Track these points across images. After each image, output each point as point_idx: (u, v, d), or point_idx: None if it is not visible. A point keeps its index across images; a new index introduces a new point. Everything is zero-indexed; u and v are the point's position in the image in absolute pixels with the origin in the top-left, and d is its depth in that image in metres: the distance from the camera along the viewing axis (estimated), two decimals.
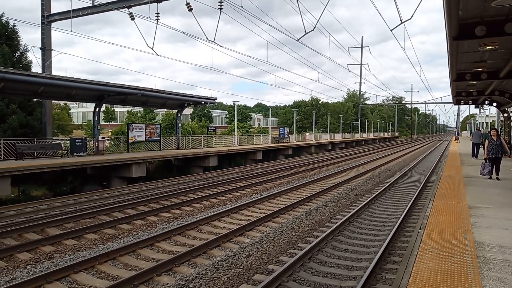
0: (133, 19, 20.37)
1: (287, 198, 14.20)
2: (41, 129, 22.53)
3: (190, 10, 18.82)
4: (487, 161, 12.47)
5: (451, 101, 43.54)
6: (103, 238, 9.24)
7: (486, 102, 28.04)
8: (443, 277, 4.08)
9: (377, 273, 6.72)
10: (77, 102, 68.96)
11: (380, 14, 17.91)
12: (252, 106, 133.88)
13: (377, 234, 9.42)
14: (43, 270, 6.95)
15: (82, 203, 13.40)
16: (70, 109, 56.80)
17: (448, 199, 8.70)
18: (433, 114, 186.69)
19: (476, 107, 34.82)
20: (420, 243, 5.32)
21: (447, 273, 4.19)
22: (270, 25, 25.19)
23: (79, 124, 53.12)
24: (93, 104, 22.71)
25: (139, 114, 54.46)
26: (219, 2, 18.69)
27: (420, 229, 6.20)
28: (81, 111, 74.76)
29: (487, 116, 51.77)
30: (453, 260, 4.60)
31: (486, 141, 12.79)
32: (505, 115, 28.55)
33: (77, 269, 6.93)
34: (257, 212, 11.93)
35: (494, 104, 27.70)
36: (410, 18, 14.69)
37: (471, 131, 70.17)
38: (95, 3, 22.24)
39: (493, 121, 43.15)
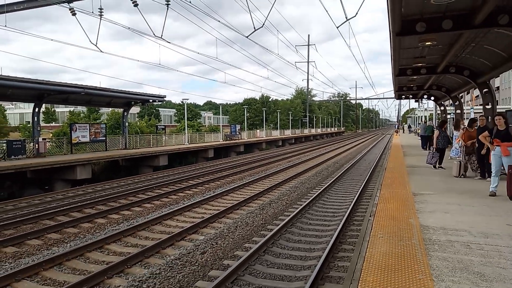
0: (74, 14, 19.30)
1: (241, 194, 14.20)
2: None
3: (136, 5, 18.18)
4: (435, 151, 13.15)
5: (393, 96, 45.73)
6: (47, 243, 8.71)
7: (425, 96, 29.74)
8: (395, 260, 4.25)
9: (330, 262, 6.89)
10: (14, 103, 64.78)
11: (327, 11, 18.39)
12: (202, 104, 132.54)
13: (328, 224, 9.67)
14: None
15: (22, 209, 12.56)
16: (6, 110, 53.16)
17: (394, 188, 9.10)
18: (376, 109, 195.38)
19: (416, 101, 36.80)
20: (371, 229, 5.51)
21: (398, 256, 4.37)
22: (219, 21, 25.14)
23: (16, 126, 49.89)
24: (32, 105, 21.37)
25: (82, 114, 52.04)
26: None
27: (370, 216, 6.43)
28: (18, 112, 70.30)
29: (425, 109, 54.87)
30: (403, 244, 4.81)
31: (436, 132, 13.46)
32: (442, 108, 30.42)
33: (19, 277, 6.48)
34: (210, 209, 11.81)
35: (432, 98, 29.44)
36: (355, 16, 15.15)
37: (409, 125, 74.08)
38: None
39: (431, 114, 45.84)
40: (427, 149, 21.48)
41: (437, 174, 11.64)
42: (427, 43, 10.78)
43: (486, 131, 8.96)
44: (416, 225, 5.69)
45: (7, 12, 21.10)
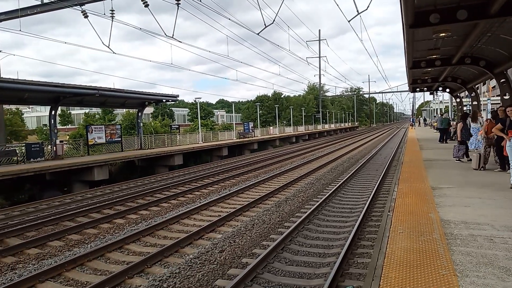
0: (86, 17, 19.59)
1: (256, 192, 14.21)
2: None
3: (146, 6, 18.36)
4: (460, 144, 12.90)
5: (407, 89, 45.15)
6: (68, 244, 8.86)
7: (440, 88, 29.27)
8: (416, 255, 4.20)
9: (349, 258, 6.85)
10: (30, 106, 66.00)
11: (338, 5, 18.25)
12: (214, 103, 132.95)
13: (346, 220, 9.61)
14: (6, 282, 6.58)
15: (43, 210, 12.80)
16: (23, 114, 54.17)
17: (412, 182, 9.00)
18: (390, 103, 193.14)
19: (430, 93, 36.26)
20: (391, 225, 5.45)
21: (419, 251, 4.32)
22: (229, 19, 25.26)
23: (34, 129, 50.82)
24: (48, 108, 21.73)
25: (97, 116, 52.76)
26: None
27: (389, 211, 6.37)
28: (35, 115, 71.59)
29: (440, 102, 54.05)
30: (423, 239, 4.75)
31: (460, 124, 13.20)
32: (458, 100, 29.92)
33: (43, 278, 6.60)
34: (227, 208, 11.86)
35: (447, 90, 28.95)
36: (366, 9, 15.06)
37: (424, 118, 73.04)
38: (45, 1, 21.25)
39: (447, 107, 45.14)
40: (444, 142, 21.15)
41: (455, 167, 11.46)
42: (441, 35, 10.58)
43: (499, 123, 8.80)
44: (437, 219, 5.62)
45: (21, 16, 21.49)
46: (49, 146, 20.96)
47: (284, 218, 10.13)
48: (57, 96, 20.38)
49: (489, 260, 4.04)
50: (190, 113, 74.77)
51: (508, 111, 8.20)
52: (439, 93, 39.45)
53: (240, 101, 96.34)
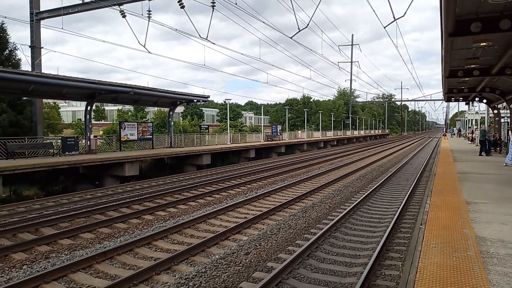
0: (124, 16, 20.16)
1: (283, 196, 14.18)
2: (32, 128, 22.21)
3: (182, 7, 18.69)
4: None
5: (442, 98, 43.90)
6: (99, 237, 9.12)
7: (477, 99, 28.29)
8: (449, 272, 4.08)
9: (377, 270, 6.73)
10: (67, 101, 68.25)
11: (374, 11, 17.97)
12: (243, 104, 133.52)
13: (374, 230, 9.44)
14: (40, 270, 6.83)
15: (75, 203, 13.22)
16: (60, 108, 56.10)
17: (445, 195, 8.75)
18: (422, 111, 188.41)
19: (466, 104, 35.12)
20: (423, 238, 5.32)
21: (452, 268, 4.20)
22: (263, 22, 25.63)
23: (69, 123, 52.53)
24: (84, 103, 22.43)
25: (129, 113, 54.02)
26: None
27: (421, 224, 6.22)
28: (70, 110, 73.94)
29: (476, 113, 52.18)
30: (457, 255, 4.61)
31: None
32: (495, 111, 28.86)
33: (74, 268, 6.82)
34: (253, 210, 11.88)
35: (484, 101, 27.98)
36: (403, 16, 14.74)
37: (459, 128, 70.80)
38: (86, 1, 21.99)
39: (482, 118, 43.57)
40: (484, 154, 20.55)
41: (491, 181, 11.05)
42: (481, 44, 10.29)
43: None
44: (471, 236, 5.44)
45: (63, 15, 22.32)
46: (84, 140, 21.63)
47: (311, 224, 10.05)
48: (93, 92, 21.04)
49: None
50: (219, 114, 75.37)
51: None
52: (475, 103, 38.13)
53: (269, 103, 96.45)
